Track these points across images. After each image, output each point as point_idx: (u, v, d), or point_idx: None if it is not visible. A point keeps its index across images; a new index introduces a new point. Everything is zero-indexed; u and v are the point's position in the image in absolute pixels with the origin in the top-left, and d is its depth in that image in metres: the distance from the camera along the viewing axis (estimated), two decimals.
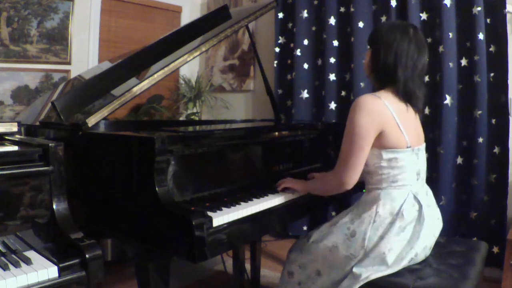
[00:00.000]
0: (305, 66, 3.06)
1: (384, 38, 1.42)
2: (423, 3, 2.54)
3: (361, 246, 1.34)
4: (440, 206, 2.39)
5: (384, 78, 1.43)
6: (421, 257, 1.40)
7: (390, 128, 1.36)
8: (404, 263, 1.34)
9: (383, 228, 1.35)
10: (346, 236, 1.39)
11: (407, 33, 1.41)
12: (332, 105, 2.92)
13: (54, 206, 1.13)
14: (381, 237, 1.34)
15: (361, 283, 1.30)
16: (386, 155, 1.38)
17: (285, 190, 1.55)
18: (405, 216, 1.35)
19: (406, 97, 1.41)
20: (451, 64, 2.41)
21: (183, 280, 2.43)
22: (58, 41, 3.07)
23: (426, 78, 2.55)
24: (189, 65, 3.62)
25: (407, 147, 1.39)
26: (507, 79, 2.31)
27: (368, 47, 1.50)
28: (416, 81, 1.42)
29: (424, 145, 1.52)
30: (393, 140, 1.37)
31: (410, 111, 1.45)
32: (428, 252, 1.43)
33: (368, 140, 1.35)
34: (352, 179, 1.38)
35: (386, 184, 1.40)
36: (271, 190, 1.55)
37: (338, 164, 1.42)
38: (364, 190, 1.51)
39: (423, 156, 1.49)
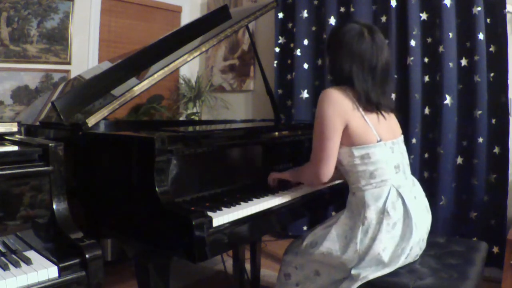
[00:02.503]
0: (305, 66, 3.06)
1: (337, 46, 1.40)
2: (423, 3, 2.54)
3: (353, 250, 1.34)
4: (440, 206, 2.43)
5: (346, 85, 1.40)
6: (416, 250, 1.39)
7: (355, 121, 1.35)
8: (402, 260, 1.34)
9: (372, 229, 1.34)
10: (338, 242, 1.38)
11: (361, 36, 1.37)
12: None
13: (54, 206, 1.13)
14: (373, 239, 1.32)
15: (360, 282, 1.30)
16: (357, 152, 1.37)
17: (282, 189, 1.55)
18: (391, 213, 1.34)
19: (372, 107, 1.39)
20: (451, 64, 2.41)
21: (183, 280, 2.43)
22: (58, 41, 3.07)
23: (426, 78, 2.56)
24: (189, 65, 3.62)
25: (378, 141, 1.37)
26: (507, 79, 2.31)
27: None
28: (378, 89, 1.39)
29: (401, 138, 1.48)
30: (361, 135, 1.36)
31: None
32: (422, 245, 1.42)
33: (335, 131, 1.35)
34: (325, 171, 1.39)
35: (365, 181, 1.38)
36: (271, 190, 1.55)
37: (311, 156, 1.43)
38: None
39: (400, 149, 1.45)
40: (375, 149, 1.37)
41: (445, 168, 2.44)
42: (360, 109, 1.36)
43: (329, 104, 1.35)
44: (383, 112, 1.41)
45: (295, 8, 3.06)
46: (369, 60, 1.37)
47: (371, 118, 1.38)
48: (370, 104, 1.38)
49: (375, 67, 1.38)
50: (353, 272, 1.33)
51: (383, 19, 2.69)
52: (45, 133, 1.75)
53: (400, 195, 1.36)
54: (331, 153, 1.37)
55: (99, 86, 1.62)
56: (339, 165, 1.43)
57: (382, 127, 1.40)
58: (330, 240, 1.40)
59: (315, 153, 1.40)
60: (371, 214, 1.35)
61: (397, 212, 1.35)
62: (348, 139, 1.37)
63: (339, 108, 1.35)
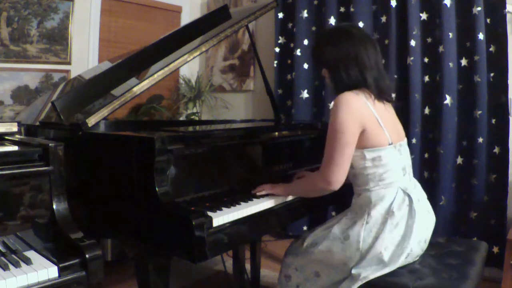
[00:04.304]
0: (305, 66, 3.06)
1: (336, 54, 1.41)
2: (423, 3, 2.54)
3: (356, 248, 1.34)
4: (440, 206, 2.43)
5: (355, 87, 1.41)
6: (417, 251, 1.40)
7: (371, 125, 1.36)
8: (401, 260, 1.34)
9: (376, 228, 1.34)
10: (340, 240, 1.38)
11: (353, 36, 1.40)
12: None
13: (54, 206, 1.13)
14: (376, 238, 1.33)
15: (360, 282, 1.30)
16: (369, 154, 1.37)
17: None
18: (396, 214, 1.35)
19: (382, 93, 1.41)
20: (451, 64, 2.41)
21: (183, 280, 2.43)
22: (58, 41, 3.07)
23: (426, 78, 2.56)
24: (189, 65, 3.62)
25: (389, 144, 1.38)
26: (507, 79, 2.31)
27: (322, 68, 1.49)
28: (383, 75, 1.43)
29: (405, 140, 1.50)
30: (375, 138, 1.36)
31: (387, 106, 1.46)
32: (424, 246, 1.43)
33: (352, 138, 1.34)
34: (338, 178, 1.36)
35: (374, 183, 1.39)
36: None
37: (324, 163, 1.38)
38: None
39: (406, 151, 1.47)
40: (386, 152, 1.37)
41: (445, 168, 2.44)
42: (374, 111, 1.37)
43: (347, 111, 1.34)
44: (388, 104, 1.45)
45: (295, 8, 3.06)
46: (371, 55, 1.40)
47: (383, 118, 1.39)
48: (380, 91, 1.40)
49: (377, 60, 1.42)
50: (353, 271, 1.33)
51: (383, 19, 2.69)
52: (45, 133, 1.74)
53: (408, 196, 1.38)
54: (346, 160, 1.35)
55: (99, 86, 1.62)
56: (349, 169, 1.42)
57: (391, 129, 1.41)
58: (331, 239, 1.40)
59: (329, 159, 1.36)
60: (377, 214, 1.36)
61: (401, 212, 1.36)
62: (362, 141, 1.37)
63: (357, 113, 1.34)
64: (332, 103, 1.41)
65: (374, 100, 1.39)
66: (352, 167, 1.41)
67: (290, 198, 1.51)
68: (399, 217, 1.35)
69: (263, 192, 1.48)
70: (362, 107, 1.35)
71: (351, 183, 1.49)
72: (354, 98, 1.36)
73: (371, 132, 1.36)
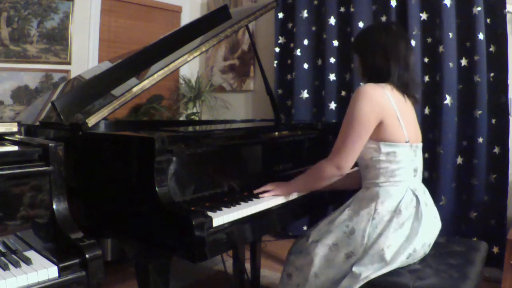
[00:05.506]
0: (305, 66, 3.06)
1: (368, 41, 1.48)
2: (423, 3, 2.54)
3: (360, 243, 1.35)
4: (440, 206, 2.43)
5: (380, 78, 1.44)
6: (420, 254, 1.40)
7: (390, 119, 1.38)
8: (402, 259, 1.34)
9: (382, 225, 1.35)
10: (345, 234, 1.39)
11: (387, 29, 1.46)
12: (332, 105, 2.92)
13: (54, 206, 1.13)
14: (380, 234, 1.34)
15: (361, 283, 1.30)
16: (384, 148, 1.39)
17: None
18: (403, 213, 1.36)
19: (404, 86, 1.43)
20: (451, 64, 2.41)
21: (183, 280, 2.43)
22: (58, 41, 3.07)
23: (426, 78, 2.56)
24: (189, 65, 3.62)
25: (406, 142, 1.40)
26: (507, 79, 2.31)
27: (356, 55, 1.55)
28: (410, 70, 1.45)
29: (421, 144, 1.52)
30: (392, 133, 1.38)
31: (409, 106, 1.47)
32: (427, 249, 1.43)
33: (367, 128, 1.36)
34: (347, 164, 1.39)
35: (384, 178, 1.40)
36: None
37: (334, 149, 1.42)
38: None
39: (420, 154, 1.50)
40: (402, 149, 1.40)
41: (445, 168, 2.45)
42: (395, 106, 1.38)
43: (366, 101, 1.36)
44: (410, 105, 1.47)
45: (295, 8, 3.06)
46: (400, 49, 1.43)
47: (403, 116, 1.40)
48: (403, 83, 1.42)
49: (407, 55, 1.45)
50: (354, 269, 1.33)
51: (383, 19, 2.69)
52: (45, 133, 1.74)
53: (416, 197, 1.39)
54: (358, 149, 1.39)
55: (99, 86, 1.63)
56: (359, 160, 1.44)
57: (410, 128, 1.43)
58: (335, 233, 1.41)
59: (341, 144, 1.40)
60: (384, 211, 1.37)
61: (408, 212, 1.37)
62: (378, 134, 1.39)
63: (377, 105, 1.36)
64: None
65: (393, 90, 1.40)
66: (364, 158, 1.43)
67: (290, 198, 1.51)
68: (406, 217, 1.36)
69: (266, 195, 1.48)
70: (382, 99, 1.37)
71: (360, 176, 1.50)
72: (375, 90, 1.38)
73: (389, 125, 1.38)
